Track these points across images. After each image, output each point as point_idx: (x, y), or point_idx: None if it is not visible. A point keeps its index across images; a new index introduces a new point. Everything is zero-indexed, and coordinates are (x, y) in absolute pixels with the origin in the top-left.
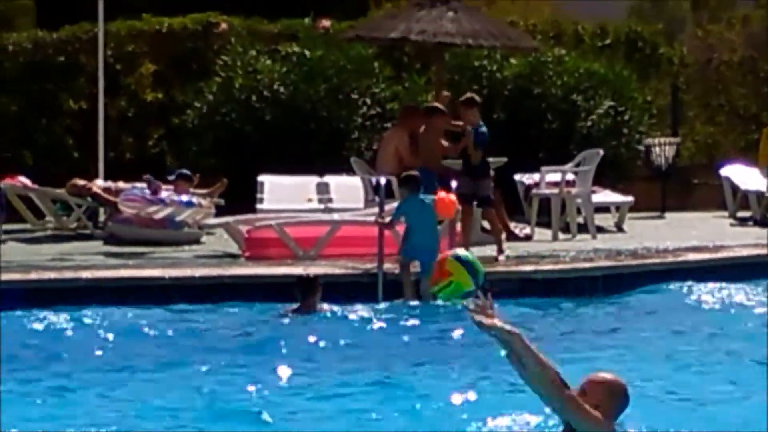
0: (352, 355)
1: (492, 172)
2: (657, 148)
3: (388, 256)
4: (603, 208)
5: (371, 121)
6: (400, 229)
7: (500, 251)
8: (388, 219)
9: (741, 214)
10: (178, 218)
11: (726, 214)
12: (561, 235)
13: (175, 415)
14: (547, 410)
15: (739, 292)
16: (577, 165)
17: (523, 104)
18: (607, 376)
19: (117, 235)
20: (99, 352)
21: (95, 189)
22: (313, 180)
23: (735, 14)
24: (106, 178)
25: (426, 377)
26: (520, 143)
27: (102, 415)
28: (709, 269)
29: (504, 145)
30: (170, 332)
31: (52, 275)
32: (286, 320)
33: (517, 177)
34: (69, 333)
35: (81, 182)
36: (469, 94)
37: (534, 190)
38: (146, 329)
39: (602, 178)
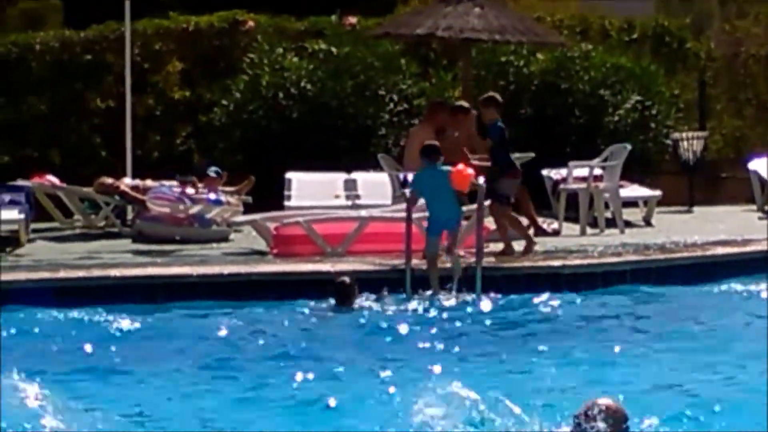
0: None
1: (518, 170)
2: (684, 142)
3: (416, 252)
4: (631, 203)
5: (398, 117)
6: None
7: (507, 249)
8: (416, 216)
9: None
10: (207, 216)
11: (754, 207)
12: (589, 230)
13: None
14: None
15: None
16: (605, 160)
17: (550, 99)
18: (609, 402)
19: (145, 233)
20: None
21: (123, 187)
22: (340, 176)
23: (763, 9)
24: (133, 177)
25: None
26: (547, 138)
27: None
28: (737, 263)
29: (531, 140)
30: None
31: (81, 273)
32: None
33: (544, 172)
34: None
35: (109, 180)
36: (489, 93)
37: (561, 185)
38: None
39: (630, 173)
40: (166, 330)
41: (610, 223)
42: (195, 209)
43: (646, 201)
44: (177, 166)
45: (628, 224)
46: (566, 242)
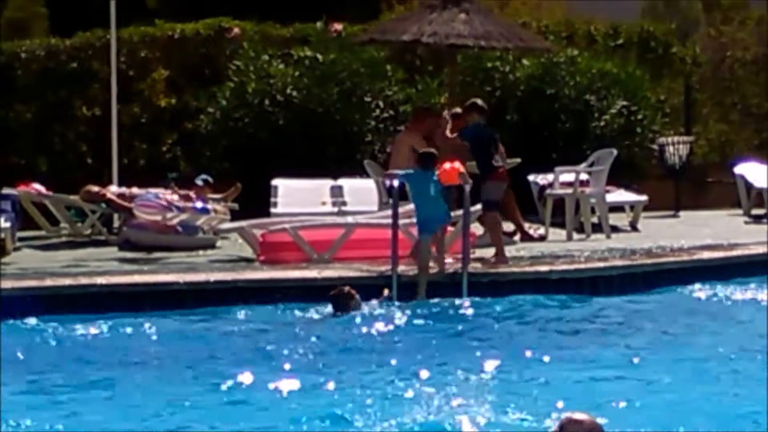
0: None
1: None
2: (671, 147)
3: (402, 258)
4: (617, 208)
5: (384, 123)
6: (413, 231)
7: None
8: (402, 222)
9: (755, 211)
10: (194, 224)
11: (740, 212)
12: (575, 235)
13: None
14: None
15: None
16: (591, 165)
17: (536, 105)
18: (584, 417)
19: (132, 240)
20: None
21: (109, 195)
22: (326, 183)
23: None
24: (119, 184)
25: None
26: (533, 144)
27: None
28: (723, 267)
29: (517, 146)
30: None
31: (67, 281)
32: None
33: (530, 178)
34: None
35: (95, 188)
36: (471, 100)
37: (548, 191)
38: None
39: (616, 178)
40: (152, 338)
41: (597, 228)
42: (182, 217)
43: (633, 206)
44: (163, 175)
45: (615, 229)
46: (553, 247)
